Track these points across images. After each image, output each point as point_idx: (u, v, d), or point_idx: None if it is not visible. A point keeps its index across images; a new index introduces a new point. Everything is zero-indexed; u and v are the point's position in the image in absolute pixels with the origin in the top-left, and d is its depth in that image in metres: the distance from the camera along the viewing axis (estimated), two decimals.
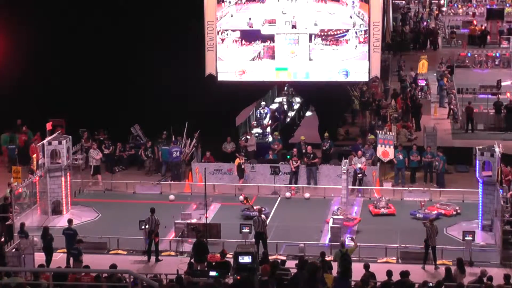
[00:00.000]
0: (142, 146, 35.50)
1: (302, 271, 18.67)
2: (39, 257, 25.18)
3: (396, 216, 29.98)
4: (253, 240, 26.54)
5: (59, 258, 26.08)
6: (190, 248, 25.73)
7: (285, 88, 43.18)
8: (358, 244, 25.11)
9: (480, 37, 54.53)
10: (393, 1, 57.50)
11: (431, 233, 25.88)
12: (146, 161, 35.17)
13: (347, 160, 31.59)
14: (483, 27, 55.51)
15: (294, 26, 33.88)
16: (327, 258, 23.52)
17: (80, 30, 35.76)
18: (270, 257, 24.21)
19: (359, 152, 32.79)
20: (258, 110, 39.24)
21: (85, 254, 24.92)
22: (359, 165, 32.22)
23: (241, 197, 30.52)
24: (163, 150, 34.53)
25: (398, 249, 26.54)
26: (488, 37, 55.06)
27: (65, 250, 26.04)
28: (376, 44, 33.65)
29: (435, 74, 46.87)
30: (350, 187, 31.42)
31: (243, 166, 32.90)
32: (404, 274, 21.01)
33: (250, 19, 34.15)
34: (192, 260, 24.23)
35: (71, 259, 25.00)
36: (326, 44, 33.84)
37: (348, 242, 25.39)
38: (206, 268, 23.58)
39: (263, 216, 26.98)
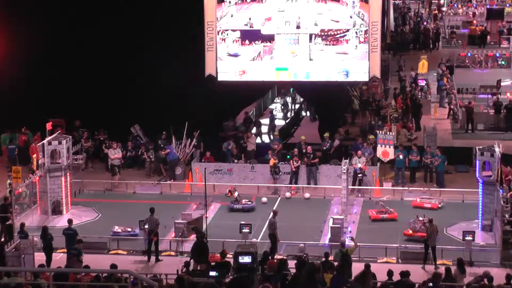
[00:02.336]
0: (142, 146, 35.47)
1: (301, 272, 18.62)
2: (39, 257, 25.19)
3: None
4: (254, 240, 26.67)
5: (59, 258, 26.08)
6: (190, 248, 25.72)
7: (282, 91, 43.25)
8: (358, 244, 25.13)
9: (480, 37, 54.47)
10: (393, 1, 57.44)
11: (431, 233, 25.88)
12: (147, 163, 35.11)
13: (347, 160, 31.59)
14: (483, 27, 55.46)
15: (298, 27, 33.85)
16: (329, 259, 23.49)
17: (80, 30, 35.75)
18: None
19: (359, 152, 32.78)
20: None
21: (85, 254, 24.93)
22: (359, 165, 32.21)
23: (226, 190, 31.22)
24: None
25: (398, 249, 26.55)
26: (488, 37, 55.02)
27: (65, 250, 26.05)
28: (374, 44, 33.63)
29: (435, 74, 46.82)
30: (350, 187, 31.42)
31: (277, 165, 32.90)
32: (404, 274, 20.99)
33: (250, 19, 34.15)
34: (190, 260, 24.21)
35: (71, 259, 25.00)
36: (326, 44, 33.84)
37: (348, 242, 25.40)
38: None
39: (273, 218, 26.86)
